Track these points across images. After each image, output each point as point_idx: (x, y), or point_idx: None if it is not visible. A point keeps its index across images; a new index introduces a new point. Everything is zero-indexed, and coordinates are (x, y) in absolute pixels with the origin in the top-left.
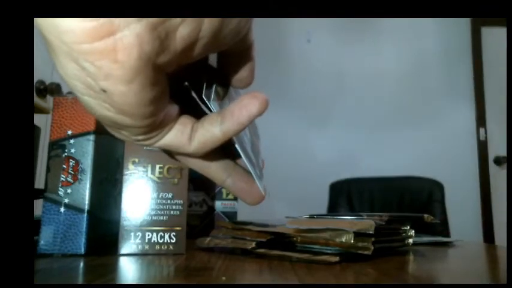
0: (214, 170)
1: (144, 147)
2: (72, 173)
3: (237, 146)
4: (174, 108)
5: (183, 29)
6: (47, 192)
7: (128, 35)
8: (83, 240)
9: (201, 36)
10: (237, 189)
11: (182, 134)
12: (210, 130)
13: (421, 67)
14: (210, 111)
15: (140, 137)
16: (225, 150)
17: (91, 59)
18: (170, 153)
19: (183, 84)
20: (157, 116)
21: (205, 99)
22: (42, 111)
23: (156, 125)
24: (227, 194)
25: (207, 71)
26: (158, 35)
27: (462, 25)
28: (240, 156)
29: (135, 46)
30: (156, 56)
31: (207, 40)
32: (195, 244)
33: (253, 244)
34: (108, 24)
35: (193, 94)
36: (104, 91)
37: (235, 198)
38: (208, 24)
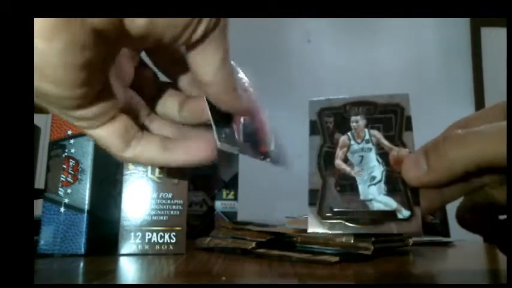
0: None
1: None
2: (72, 173)
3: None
4: (117, 97)
5: None
6: (47, 192)
7: None
8: (83, 240)
9: None
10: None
11: (118, 137)
12: (151, 151)
13: (420, 67)
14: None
15: (71, 113)
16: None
17: None
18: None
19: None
20: (89, 88)
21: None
22: (42, 111)
23: (88, 100)
24: (227, 194)
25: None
26: None
27: (462, 25)
28: None
29: None
30: None
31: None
32: (195, 244)
33: (253, 244)
34: None
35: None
36: None
37: (235, 198)
38: None
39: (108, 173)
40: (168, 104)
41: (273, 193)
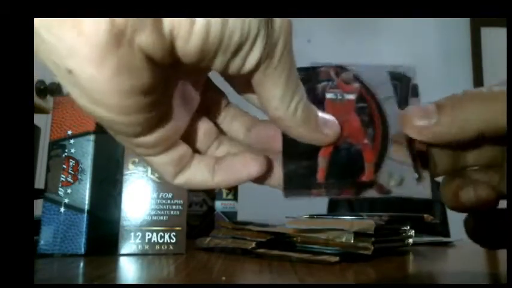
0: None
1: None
2: (72, 173)
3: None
4: (180, 124)
5: None
6: (47, 192)
7: None
8: (83, 240)
9: (197, 29)
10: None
11: (173, 166)
12: (202, 174)
13: (420, 67)
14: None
15: (130, 139)
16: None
17: (49, 25)
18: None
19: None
20: (145, 115)
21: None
22: (42, 111)
23: (147, 127)
24: (227, 194)
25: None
26: None
27: (462, 25)
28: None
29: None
30: (134, 32)
31: (205, 35)
32: (195, 244)
33: (253, 244)
34: None
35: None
36: (70, 72)
37: (235, 198)
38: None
39: (108, 173)
40: (234, 127)
41: (273, 193)
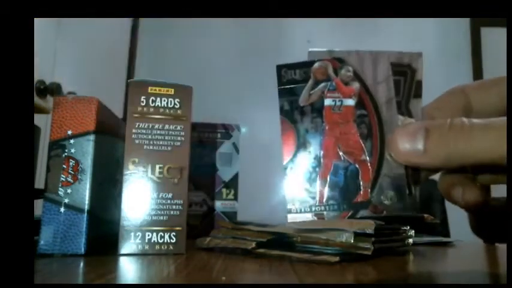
0: None
1: (145, 147)
2: (72, 173)
3: None
4: None
5: None
6: (47, 192)
7: None
8: (83, 240)
9: None
10: None
11: None
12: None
13: None
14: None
15: None
16: None
17: None
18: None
19: None
20: None
21: None
22: (42, 111)
23: None
24: (227, 194)
25: None
26: None
27: (462, 25)
28: None
29: None
30: None
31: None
32: (195, 244)
33: (253, 244)
34: None
35: None
36: None
37: (235, 198)
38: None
39: (108, 173)
40: None
41: (273, 193)
